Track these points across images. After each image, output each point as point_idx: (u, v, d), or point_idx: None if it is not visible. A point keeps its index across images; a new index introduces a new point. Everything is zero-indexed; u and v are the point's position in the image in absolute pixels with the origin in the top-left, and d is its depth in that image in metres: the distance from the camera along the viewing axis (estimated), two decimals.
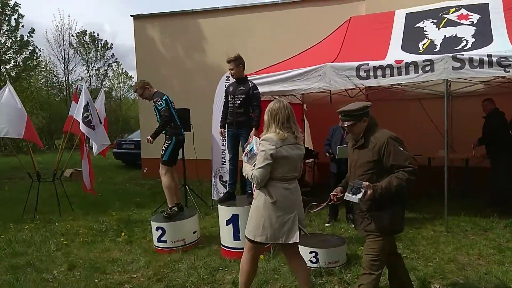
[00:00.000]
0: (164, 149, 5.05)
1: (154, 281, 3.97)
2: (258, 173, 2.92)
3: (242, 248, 4.37)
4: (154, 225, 4.88)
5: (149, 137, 4.97)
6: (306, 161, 8.14)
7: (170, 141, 5.05)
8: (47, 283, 4.01)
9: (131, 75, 36.20)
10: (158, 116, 5.10)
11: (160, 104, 4.99)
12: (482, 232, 5.15)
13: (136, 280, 4.02)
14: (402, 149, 2.81)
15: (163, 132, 5.08)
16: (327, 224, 5.80)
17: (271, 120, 3.00)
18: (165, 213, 4.98)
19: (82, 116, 6.50)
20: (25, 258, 4.78)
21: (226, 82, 6.57)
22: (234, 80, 5.00)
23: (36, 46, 24.59)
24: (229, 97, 4.90)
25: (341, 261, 4.03)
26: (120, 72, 35.46)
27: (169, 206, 5.06)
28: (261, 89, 5.36)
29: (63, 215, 6.84)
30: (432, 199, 6.87)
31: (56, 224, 6.34)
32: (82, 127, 6.47)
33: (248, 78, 5.06)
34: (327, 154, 6.00)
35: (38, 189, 6.91)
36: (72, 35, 29.43)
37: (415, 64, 5.16)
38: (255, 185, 3.04)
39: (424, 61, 5.10)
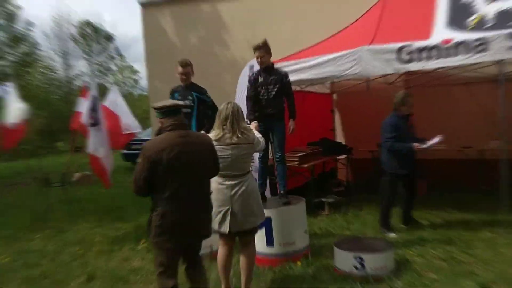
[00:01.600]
0: None
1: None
2: None
3: (277, 255, 4.48)
4: None
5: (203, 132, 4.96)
6: (338, 157, 8.12)
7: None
8: None
9: (137, 69, 36.63)
10: (194, 109, 5.07)
11: (209, 96, 5.11)
12: None
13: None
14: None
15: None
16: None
17: (216, 120, 3.65)
18: None
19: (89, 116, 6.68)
20: (40, 269, 4.93)
21: (249, 72, 6.59)
22: (261, 69, 5.01)
23: (35, 42, 25.15)
24: (262, 88, 4.88)
25: (389, 267, 4.02)
26: (124, 65, 35.92)
27: None
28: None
29: (75, 222, 7.01)
30: (485, 196, 6.77)
31: (69, 232, 6.50)
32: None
33: (275, 66, 5.09)
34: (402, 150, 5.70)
35: (47, 195, 7.09)
36: (73, 25, 29.96)
37: (465, 44, 5.08)
38: None
39: (476, 40, 5.02)
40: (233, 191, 3.58)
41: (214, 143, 3.47)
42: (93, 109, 6.74)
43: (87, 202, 8.39)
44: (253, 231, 3.79)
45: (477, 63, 5.40)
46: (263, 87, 4.86)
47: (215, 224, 3.58)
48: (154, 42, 11.37)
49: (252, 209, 3.66)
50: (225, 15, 10.52)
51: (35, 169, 7.42)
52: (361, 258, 3.98)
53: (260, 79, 4.93)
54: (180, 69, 5.13)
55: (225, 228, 3.57)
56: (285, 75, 4.88)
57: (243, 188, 3.60)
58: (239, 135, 3.56)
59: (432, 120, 7.97)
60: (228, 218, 3.56)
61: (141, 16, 11.55)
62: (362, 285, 3.78)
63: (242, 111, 3.72)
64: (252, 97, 4.94)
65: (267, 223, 4.50)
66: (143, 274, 4.54)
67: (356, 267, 3.98)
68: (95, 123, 6.72)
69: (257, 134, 3.92)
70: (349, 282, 3.85)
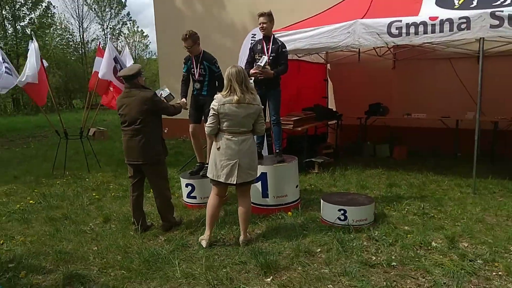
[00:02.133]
0: None
1: (187, 234, 4.17)
2: (207, 124, 3.74)
3: (271, 206, 4.61)
4: (183, 181, 5.06)
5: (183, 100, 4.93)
6: (329, 122, 8.17)
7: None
8: (85, 234, 4.27)
9: (147, 34, 35.91)
10: (206, 76, 4.94)
11: (218, 67, 4.95)
12: (510, 194, 5.18)
13: (169, 233, 4.24)
14: None
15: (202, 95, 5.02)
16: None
17: (228, 81, 3.65)
18: (204, 171, 5.04)
19: (115, 76, 6.65)
20: (61, 211, 5.05)
21: (252, 40, 6.51)
22: (261, 37, 4.97)
23: (50, 3, 24.47)
24: (259, 55, 4.89)
25: (369, 219, 4.15)
26: (135, 30, 35.15)
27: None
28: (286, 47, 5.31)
29: (91, 171, 7.11)
30: (458, 161, 6.90)
31: (86, 180, 6.62)
32: (117, 84, 6.63)
33: (276, 36, 5.04)
34: None
35: (66, 147, 7.15)
36: None
37: (450, 21, 5.02)
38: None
39: (460, 18, 4.95)
40: (240, 146, 3.67)
41: (221, 101, 3.61)
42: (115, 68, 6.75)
43: (102, 155, 8.47)
44: (252, 182, 3.92)
45: (460, 40, 5.35)
46: (260, 55, 4.84)
47: (222, 177, 3.68)
48: (163, 8, 11.12)
49: (253, 164, 3.82)
50: None
51: (54, 124, 7.41)
52: (344, 211, 4.10)
53: (259, 47, 4.90)
54: (183, 43, 4.93)
55: (234, 179, 3.68)
56: (282, 45, 4.84)
57: (248, 144, 3.72)
58: (251, 95, 3.67)
59: (416, 91, 8.00)
60: (236, 170, 3.66)
61: None
62: (344, 234, 3.91)
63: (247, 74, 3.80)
64: (250, 63, 4.95)
65: (263, 178, 4.61)
66: (153, 218, 4.67)
67: (339, 218, 4.11)
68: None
69: None
70: (333, 231, 3.98)
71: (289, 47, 5.87)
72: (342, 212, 4.10)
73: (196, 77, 4.98)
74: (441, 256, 3.44)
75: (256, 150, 4.00)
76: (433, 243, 3.70)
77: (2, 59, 6.34)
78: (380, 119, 8.00)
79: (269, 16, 4.76)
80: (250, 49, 5.20)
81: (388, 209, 4.69)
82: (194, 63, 4.98)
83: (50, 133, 11.76)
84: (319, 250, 3.67)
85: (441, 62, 7.67)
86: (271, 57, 4.75)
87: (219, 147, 3.69)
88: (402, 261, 3.38)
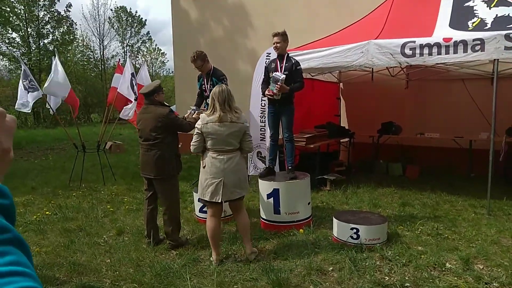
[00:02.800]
0: None
1: (199, 248, 4.15)
2: (191, 143, 3.74)
3: (283, 222, 4.55)
4: (196, 196, 5.04)
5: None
6: (341, 140, 8.11)
7: None
8: (99, 246, 4.27)
9: (164, 51, 36.58)
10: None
11: (226, 84, 5.01)
12: None
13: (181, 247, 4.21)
14: None
15: None
16: None
17: (212, 101, 3.70)
18: None
19: (132, 91, 6.78)
20: (76, 223, 5.08)
21: (266, 59, 6.57)
22: (276, 56, 5.01)
23: (73, 21, 25.17)
24: (271, 73, 4.91)
25: (382, 239, 4.06)
26: (153, 48, 35.86)
27: None
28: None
29: (106, 184, 7.16)
30: (472, 182, 6.75)
31: (102, 192, 6.66)
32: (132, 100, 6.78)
33: (289, 55, 5.07)
34: None
35: (83, 159, 7.23)
36: (111, 9, 29.88)
37: (464, 42, 4.99)
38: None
39: (474, 39, 4.91)
40: (225, 165, 3.67)
41: (205, 120, 3.66)
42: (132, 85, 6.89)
43: (118, 168, 8.53)
44: (241, 198, 3.90)
45: (474, 61, 5.31)
46: (274, 73, 4.86)
47: (206, 195, 3.70)
48: (181, 28, 11.32)
49: (240, 182, 3.78)
50: (245, 5, 10.39)
51: (72, 137, 7.53)
52: (357, 229, 4.03)
53: (273, 65, 4.93)
54: (193, 64, 5.15)
55: (218, 198, 3.67)
56: (296, 63, 4.85)
57: (234, 163, 3.71)
58: (234, 114, 3.69)
59: (429, 111, 7.92)
60: (221, 188, 3.65)
61: (171, 3, 11.47)
62: (357, 253, 3.83)
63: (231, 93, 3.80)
64: (266, 82, 4.98)
65: (275, 194, 4.57)
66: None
67: (352, 237, 4.03)
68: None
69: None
70: (345, 249, 3.90)
71: (303, 66, 5.86)
72: (354, 230, 4.03)
73: (207, 93, 5.11)
74: (455, 278, 3.34)
75: (245, 167, 3.99)
76: (447, 264, 3.60)
77: (25, 76, 6.54)
78: (393, 138, 7.92)
79: (283, 35, 4.79)
80: (265, 68, 5.25)
81: (401, 228, 4.59)
82: (205, 79, 5.16)
83: (68, 146, 11.94)
84: (331, 268, 3.59)
85: (454, 82, 7.60)
86: (284, 75, 4.76)
87: (205, 166, 3.71)
88: (415, 282, 3.29)
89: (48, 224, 5.05)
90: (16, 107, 6.72)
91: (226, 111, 3.64)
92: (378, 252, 3.87)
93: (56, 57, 6.86)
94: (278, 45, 4.82)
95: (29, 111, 7.05)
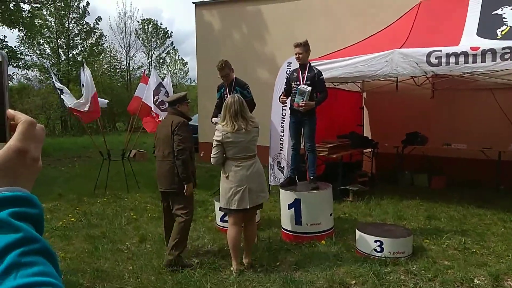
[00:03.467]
0: None
1: (219, 257, 4.14)
2: (212, 155, 3.75)
3: (304, 233, 4.50)
4: (217, 205, 5.04)
5: None
6: (364, 151, 7.99)
7: None
8: (122, 253, 4.33)
9: (186, 62, 37.23)
10: None
11: (250, 92, 5.10)
12: None
13: (202, 255, 4.23)
14: None
15: None
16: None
17: (225, 112, 3.70)
18: None
19: (153, 100, 6.88)
20: (100, 229, 5.16)
21: (287, 69, 6.57)
22: (298, 66, 5.00)
23: (102, 33, 25.95)
24: (293, 83, 4.90)
25: (407, 252, 3.96)
26: (177, 59, 36.53)
27: None
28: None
29: (130, 191, 7.28)
30: (501, 194, 6.51)
31: (125, 199, 6.77)
32: (155, 110, 6.87)
33: (312, 64, 5.06)
34: None
35: (108, 167, 7.38)
36: (138, 21, 30.71)
37: (492, 51, 4.84)
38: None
39: (503, 48, 4.77)
40: (249, 171, 3.69)
41: (225, 131, 3.65)
42: (166, 93, 7.02)
43: (141, 176, 8.66)
44: (261, 206, 3.98)
45: (503, 70, 5.15)
46: (296, 83, 4.85)
47: (233, 204, 3.67)
48: (204, 38, 11.49)
49: (263, 186, 3.85)
50: (266, 15, 10.46)
51: (98, 145, 7.71)
52: (381, 242, 3.93)
53: (295, 75, 4.93)
54: (219, 72, 5.15)
55: (246, 204, 3.66)
56: (319, 73, 4.83)
57: (255, 168, 3.75)
58: (250, 123, 3.73)
59: (456, 121, 7.72)
60: (247, 195, 3.65)
61: (194, 14, 11.68)
62: (380, 267, 3.73)
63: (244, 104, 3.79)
64: (287, 91, 4.97)
65: (296, 204, 4.53)
66: (188, 240, 4.67)
67: (376, 250, 3.94)
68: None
69: None
70: (368, 263, 3.81)
71: (325, 75, 5.85)
72: (378, 243, 3.94)
73: None
74: None
75: (263, 172, 3.95)
76: (475, 280, 3.47)
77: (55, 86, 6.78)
78: (418, 148, 7.75)
79: (305, 46, 4.79)
80: (286, 78, 5.25)
81: (427, 242, 4.46)
82: (228, 89, 5.14)
83: (94, 154, 12.21)
84: (353, 282, 3.52)
85: (482, 92, 7.38)
86: (306, 85, 4.74)
87: (227, 175, 3.71)
88: None
89: (73, 230, 5.16)
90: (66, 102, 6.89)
91: (238, 121, 3.66)
92: (403, 266, 3.77)
93: (86, 69, 7.05)
94: (300, 56, 4.82)
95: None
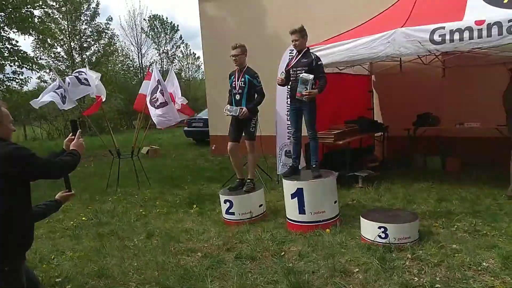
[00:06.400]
0: (254, 126, 5.15)
1: (224, 250, 4.14)
2: None
3: (308, 222, 4.45)
4: (222, 198, 5.06)
5: (245, 109, 4.98)
6: (375, 134, 7.83)
7: (256, 118, 5.17)
8: (128, 250, 4.38)
9: (198, 56, 37.30)
10: (245, 88, 5.05)
11: (259, 82, 5.08)
12: None
13: (207, 248, 4.23)
14: None
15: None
16: None
17: None
18: (247, 187, 5.11)
19: (150, 97, 6.94)
20: (109, 227, 5.25)
21: (289, 56, 6.46)
22: (296, 52, 4.91)
23: (114, 33, 26.20)
24: (291, 70, 4.82)
25: (412, 237, 3.86)
26: (188, 53, 36.62)
27: (251, 178, 5.21)
28: (323, 60, 5.17)
29: (141, 188, 7.37)
30: None
31: (136, 196, 6.86)
32: (148, 105, 6.95)
33: (310, 50, 4.95)
34: None
35: (118, 165, 7.48)
36: (144, 19, 30.89)
37: (498, 24, 4.59)
38: None
39: (510, 20, 4.53)
40: None
41: None
42: (162, 91, 7.03)
43: (152, 172, 8.76)
44: None
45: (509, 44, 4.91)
46: (293, 69, 4.76)
47: None
48: (209, 31, 11.43)
49: None
50: (268, 2, 10.31)
51: (107, 144, 7.83)
52: (385, 228, 3.85)
53: (293, 62, 4.83)
54: (231, 51, 5.12)
55: None
56: (316, 58, 4.71)
57: None
58: None
59: (468, 99, 7.45)
60: None
61: (198, 8, 11.61)
62: (385, 253, 3.66)
63: None
64: (286, 79, 4.90)
65: (299, 194, 4.48)
66: (193, 234, 4.71)
67: (380, 236, 3.86)
68: (165, 103, 6.99)
69: None
70: (372, 249, 3.74)
71: (327, 60, 5.74)
72: (382, 229, 3.85)
73: (236, 90, 5.10)
74: (492, 278, 3.11)
75: None
76: (483, 263, 3.36)
77: (59, 85, 6.85)
78: (430, 130, 7.53)
79: (300, 32, 4.68)
80: (286, 64, 5.17)
81: (435, 226, 4.35)
82: (237, 76, 5.12)
83: (109, 153, 12.42)
84: (356, 270, 3.46)
85: (495, 67, 7.07)
86: (303, 71, 4.64)
87: None
88: (447, 283, 3.09)
89: (84, 229, 5.26)
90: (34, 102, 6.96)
91: None
92: (409, 252, 3.68)
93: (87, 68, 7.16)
94: (296, 42, 4.73)
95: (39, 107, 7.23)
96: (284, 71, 4.93)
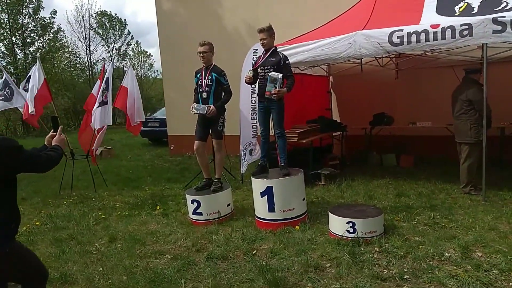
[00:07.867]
0: (221, 124, 5.09)
1: (194, 251, 4.06)
2: None
3: (277, 220, 4.48)
4: (189, 198, 4.95)
5: (213, 107, 4.91)
6: (334, 134, 8.05)
7: (223, 117, 5.12)
8: (91, 255, 4.16)
9: (150, 53, 36.36)
10: (212, 86, 4.99)
11: (226, 80, 5.05)
12: None
13: (176, 250, 4.12)
14: None
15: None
16: None
17: None
18: (215, 186, 5.04)
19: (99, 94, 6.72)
20: (67, 232, 4.95)
21: (253, 55, 6.48)
22: (264, 51, 4.92)
23: (60, 28, 24.86)
24: (259, 69, 4.83)
25: (378, 231, 4.00)
26: (139, 51, 35.58)
27: (218, 178, 5.16)
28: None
29: (98, 190, 7.04)
30: None
31: (93, 199, 6.53)
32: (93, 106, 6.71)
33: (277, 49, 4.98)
34: None
35: (73, 167, 7.10)
36: (92, 16, 29.60)
37: (452, 28, 4.93)
38: None
39: (462, 24, 4.86)
40: None
41: None
42: (107, 89, 6.77)
43: (108, 173, 8.41)
44: None
45: (462, 47, 5.26)
46: (261, 68, 4.78)
47: None
48: (166, 28, 11.19)
49: None
50: (228, 1, 10.27)
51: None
52: (353, 223, 3.96)
53: (260, 61, 4.85)
54: (199, 48, 5.04)
55: None
56: (284, 58, 4.75)
57: None
58: None
59: (420, 100, 7.88)
60: None
61: (154, 4, 11.32)
62: (354, 247, 3.76)
63: None
64: (254, 78, 4.89)
65: (269, 192, 4.49)
66: (159, 236, 4.56)
67: (348, 231, 3.96)
68: (106, 102, 6.75)
69: None
70: (342, 244, 3.84)
71: (291, 60, 5.79)
72: (350, 224, 3.96)
73: (203, 88, 5.03)
74: (454, 267, 3.29)
75: None
76: (445, 253, 3.55)
77: (3, 85, 6.42)
78: (385, 129, 7.88)
79: (268, 31, 4.70)
80: (253, 65, 5.17)
81: (397, 220, 4.54)
82: (203, 74, 5.06)
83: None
84: (329, 264, 3.52)
85: (444, 70, 7.54)
86: (271, 70, 4.66)
87: None
88: (415, 274, 3.23)
89: (39, 234, 4.93)
90: None
91: None
92: (376, 245, 3.81)
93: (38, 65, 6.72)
94: (265, 41, 4.74)
95: None
96: (252, 69, 4.92)
